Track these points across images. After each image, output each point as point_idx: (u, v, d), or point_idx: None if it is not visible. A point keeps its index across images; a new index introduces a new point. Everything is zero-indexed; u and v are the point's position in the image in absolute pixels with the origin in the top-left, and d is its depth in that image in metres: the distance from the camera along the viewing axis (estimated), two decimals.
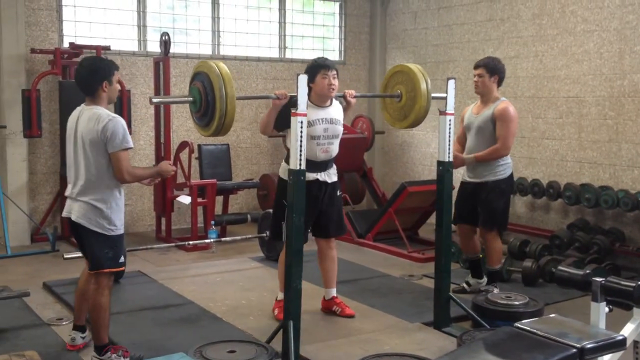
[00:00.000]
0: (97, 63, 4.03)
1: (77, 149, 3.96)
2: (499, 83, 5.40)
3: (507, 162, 5.37)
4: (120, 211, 4.01)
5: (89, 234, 3.96)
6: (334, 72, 4.68)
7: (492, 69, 5.33)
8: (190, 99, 4.01)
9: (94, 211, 3.92)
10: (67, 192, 4.05)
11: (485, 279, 5.68)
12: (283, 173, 4.76)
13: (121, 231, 4.05)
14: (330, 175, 4.85)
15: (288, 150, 4.75)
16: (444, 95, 4.89)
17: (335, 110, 4.83)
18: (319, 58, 4.78)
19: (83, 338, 4.34)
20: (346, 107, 4.95)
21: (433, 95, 4.81)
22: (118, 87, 4.07)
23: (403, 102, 4.85)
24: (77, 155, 3.96)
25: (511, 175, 5.45)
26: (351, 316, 5.00)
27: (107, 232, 3.95)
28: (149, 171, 4.24)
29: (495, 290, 5.34)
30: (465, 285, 5.69)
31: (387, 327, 4.82)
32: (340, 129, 4.86)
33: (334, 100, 4.84)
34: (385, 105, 5.13)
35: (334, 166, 4.93)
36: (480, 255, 5.69)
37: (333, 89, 4.68)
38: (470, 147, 5.38)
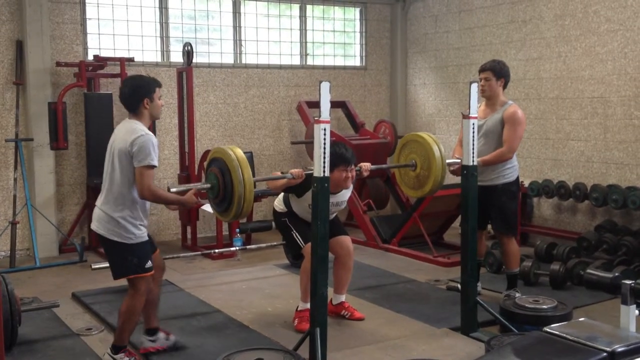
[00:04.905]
0: (138, 81, 4.14)
1: (109, 158, 4.08)
2: (505, 86, 5.36)
3: (514, 165, 5.35)
4: (137, 224, 4.05)
5: (107, 243, 4.08)
6: (353, 166, 4.73)
7: (499, 72, 5.28)
8: (208, 185, 4.08)
9: (111, 221, 4.01)
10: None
11: (479, 283, 5.64)
12: (279, 207, 5.04)
13: (142, 239, 4.09)
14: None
15: (285, 195, 4.98)
16: (457, 160, 4.96)
17: (344, 193, 4.92)
18: (339, 148, 4.66)
19: (152, 342, 4.38)
20: (359, 176, 4.96)
21: (448, 161, 4.88)
22: (161, 103, 4.17)
23: (417, 170, 4.91)
24: (107, 164, 4.08)
25: (518, 178, 5.43)
26: (361, 319, 5.04)
27: (126, 241, 4.03)
28: (172, 197, 4.17)
29: (517, 295, 5.28)
30: (460, 285, 5.63)
31: (414, 333, 4.80)
32: (343, 206, 5.06)
33: None
34: (400, 175, 5.18)
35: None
36: (481, 259, 5.68)
37: (349, 181, 4.74)
38: (480, 151, 5.33)
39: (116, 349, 4.17)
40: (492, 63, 5.37)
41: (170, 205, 4.34)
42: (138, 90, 4.06)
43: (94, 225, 4.12)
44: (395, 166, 5.19)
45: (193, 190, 4.17)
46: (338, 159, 4.59)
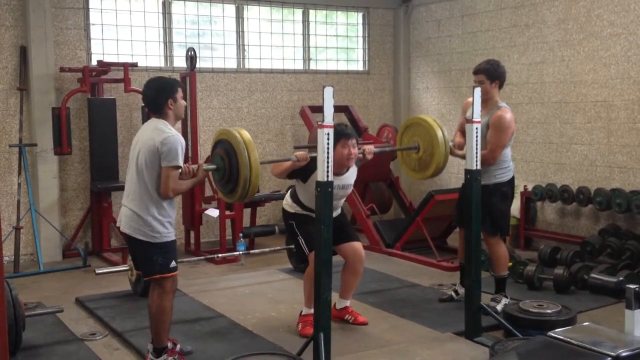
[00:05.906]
0: (160, 83, 4.16)
1: (134, 157, 4.09)
2: (500, 87, 5.24)
3: (507, 167, 5.24)
4: (165, 222, 4.05)
5: (134, 242, 4.09)
6: (354, 141, 4.65)
7: (493, 75, 5.15)
8: (214, 166, 4.09)
9: (137, 219, 4.02)
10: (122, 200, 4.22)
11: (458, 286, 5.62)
12: (287, 206, 4.97)
13: (169, 238, 4.09)
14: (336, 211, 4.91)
15: (294, 188, 4.92)
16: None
17: (349, 176, 4.85)
18: (338, 125, 4.55)
19: None
20: (362, 160, 4.90)
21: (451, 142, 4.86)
22: (184, 103, 4.19)
23: (420, 153, 4.90)
24: (132, 163, 4.10)
25: (512, 179, 5.30)
26: (364, 324, 5.03)
27: (151, 240, 4.03)
28: (190, 182, 4.15)
29: (504, 300, 5.21)
30: (453, 293, 5.61)
31: (418, 338, 4.79)
32: (350, 190, 4.96)
33: None
34: (402, 159, 5.15)
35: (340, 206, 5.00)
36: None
37: (352, 159, 4.67)
38: None
39: (157, 352, 4.16)
40: (485, 65, 5.22)
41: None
42: (162, 92, 4.09)
43: (119, 224, 4.14)
44: (398, 149, 5.17)
45: (200, 165, 4.17)
46: (337, 134, 4.44)
